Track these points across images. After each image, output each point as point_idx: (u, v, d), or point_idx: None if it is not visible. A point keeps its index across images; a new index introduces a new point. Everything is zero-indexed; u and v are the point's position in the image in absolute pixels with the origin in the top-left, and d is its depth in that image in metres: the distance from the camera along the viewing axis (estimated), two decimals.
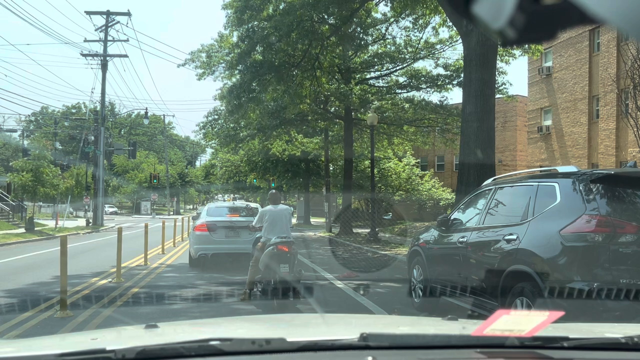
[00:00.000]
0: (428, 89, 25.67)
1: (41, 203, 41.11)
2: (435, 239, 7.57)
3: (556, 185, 5.28)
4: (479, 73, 12.79)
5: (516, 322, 1.59)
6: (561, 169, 5.78)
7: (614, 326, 2.97)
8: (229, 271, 11.81)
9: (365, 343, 1.58)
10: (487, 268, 5.83)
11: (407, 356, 1.62)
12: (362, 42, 21.88)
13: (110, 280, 10.76)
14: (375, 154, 33.17)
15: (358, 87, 24.41)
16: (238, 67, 16.95)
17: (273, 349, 1.56)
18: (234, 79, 18.95)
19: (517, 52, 22.21)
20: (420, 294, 7.65)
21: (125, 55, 37.55)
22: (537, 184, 5.65)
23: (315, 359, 1.60)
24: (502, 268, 5.44)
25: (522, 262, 5.18)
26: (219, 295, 8.95)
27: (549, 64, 28.56)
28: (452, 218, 7.33)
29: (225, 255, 12.38)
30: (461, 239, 6.58)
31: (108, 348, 1.52)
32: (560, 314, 1.66)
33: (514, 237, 5.39)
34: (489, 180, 7.25)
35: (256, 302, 8.06)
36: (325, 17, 18.32)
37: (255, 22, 17.62)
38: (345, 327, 2.47)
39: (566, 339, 1.67)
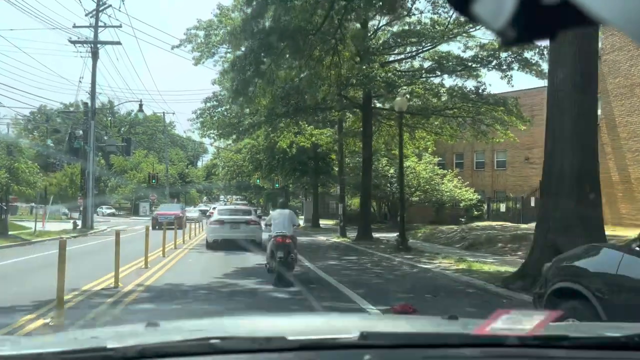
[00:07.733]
0: (461, 72, 22.28)
1: (17, 204, 38.11)
2: (629, 273, 4.15)
3: None
4: None
5: (517, 321, 1.61)
6: None
7: (615, 325, 2.73)
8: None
9: (366, 342, 1.55)
10: None
11: (408, 355, 1.63)
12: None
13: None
14: (393, 151, 30.08)
15: (383, 68, 21.16)
16: (243, 34, 13.60)
17: (274, 347, 1.55)
18: (238, 52, 15.62)
19: None
20: None
21: (119, 43, 34.76)
22: None
23: (316, 357, 1.60)
24: None
25: None
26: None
27: (597, 45, 25.25)
28: None
29: (230, 240, 18.41)
30: None
31: (108, 346, 1.50)
32: (560, 313, 1.74)
33: None
34: None
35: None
36: None
37: None
38: (346, 326, 2.20)
39: (566, 338, 1.66)
